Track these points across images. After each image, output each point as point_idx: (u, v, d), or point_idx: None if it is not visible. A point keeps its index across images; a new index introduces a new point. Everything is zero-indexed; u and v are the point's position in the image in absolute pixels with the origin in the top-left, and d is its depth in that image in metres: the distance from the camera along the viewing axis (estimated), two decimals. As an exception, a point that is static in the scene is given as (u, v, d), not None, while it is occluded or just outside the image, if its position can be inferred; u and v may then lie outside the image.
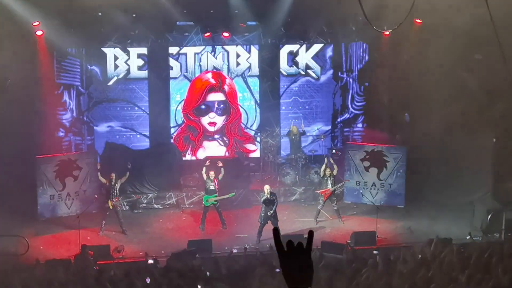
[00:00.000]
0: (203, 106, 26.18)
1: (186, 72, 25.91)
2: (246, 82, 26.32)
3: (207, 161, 22.86)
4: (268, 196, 20.54)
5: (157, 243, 20.74)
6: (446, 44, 23.11)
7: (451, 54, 23.54)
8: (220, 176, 22.07)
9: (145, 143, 25.88)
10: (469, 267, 14.34)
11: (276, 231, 4.08)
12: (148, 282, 14.79)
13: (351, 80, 26.72)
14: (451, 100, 23.90)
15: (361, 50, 26.52)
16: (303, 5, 24.51)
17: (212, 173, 21.92)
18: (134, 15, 23.85)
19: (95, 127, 25.55)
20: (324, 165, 22.66)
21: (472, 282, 13.35)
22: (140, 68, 25.54)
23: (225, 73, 26.09)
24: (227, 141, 26.41)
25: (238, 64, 26.11)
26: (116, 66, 25.36)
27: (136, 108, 25.74)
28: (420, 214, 22.86)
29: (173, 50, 25.70)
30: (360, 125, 26.93)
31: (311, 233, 4.04)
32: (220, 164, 22.49)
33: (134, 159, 24.44)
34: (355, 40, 26.30)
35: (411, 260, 15.81)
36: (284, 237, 20.03)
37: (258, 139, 26.45)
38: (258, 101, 26.42)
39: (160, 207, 24.15)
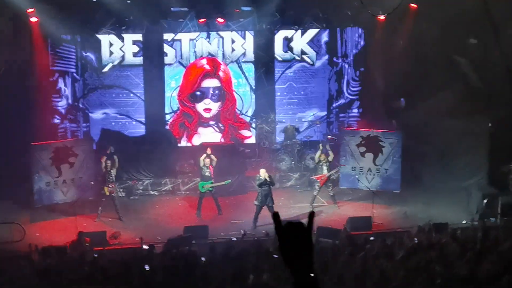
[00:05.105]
0: (198, 93, 26.15)
1: (181, 58, 25.87)
2: (241, 68, 26.28)
3: (208, 149, 22.58)
4: (267, 178, 20.52)
5: (153, 229, 20.75)
6: (441, 28, 23.10)
7: (446, 39, 23.57)
8: (213, 163, 22.09)
9: (140, 130, 25.85)
10: (465, 252, 14.37)
11: (276, 215, 3.93)
12: (148, 269, 14.77)
13: (346, 66, 26.69)
14: (446, 85, 23.93)
15: (357, 35, 26.49)
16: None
17: (207, 160, 21.91)
18: (128, 1, 23.77)
19: (90, 114, 25.53)
20: (319, 151, 22.67)
21: (466, 266, 13.38)
22: (135, 54, 25.49)
23: (220, 59, 26.05)
24: (222, 127, 26.41)
25: (233, 50, 26.07)
26: (111, 53, 25.32)
27: (132, 94, 25.71)
28: (415, 199, 22.89)
29: (167, 36, 25.65)
30: (355, 110, 26.93)
31: (312, 214, 3.92)
32: (209, 152, 22.25)
33: (130, 145, 24.47)
34: (351, 25, 26.27)
35: (407, 244, 15.84)
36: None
37: (254, 125, 26.45)
38: (253, 87, 26.40)
39: (156, 194, 24.18)
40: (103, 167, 21.55)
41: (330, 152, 22.70)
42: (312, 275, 3.76)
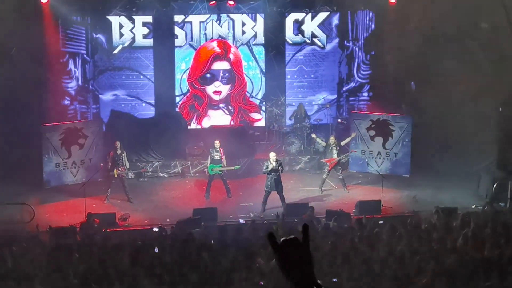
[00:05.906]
0: (208, 75, 26.12)
1: (191, 40, 25.81)
2: (251, 50, 26.20)
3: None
4: (274, 164, 20.52)
5: (162, 212, 20.80)
6: (452, 13, 22.97)
7: (458, 23, 23.42)
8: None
9: (150, 112, 25.86)
10: (474, 236, 14.36)
11: (271, 236, 3.84)
12: (157, 251, 14.81)
13: (357, 49, 26.57)
14: (457, 69, 23.80)
15: (367, 19, 26.34)
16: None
17: (217, 143, 21.91)
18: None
19: (100, 96, 25.53)
20: (317, 138, 22.93)
21: (476, 250, 13.37)
22: (145, 36, 25.44)
23: (230, 41, 25.98)
24: (232, 110, 26.38)
25: (243, 32, 25.98)
26: (121, 35, 25.28)
27: (142, 76, 25.69)
28: (425, 183, 22.83)
29: (178, 18, 25.58)
30: (365, 94, 26.82)
31: (305, 226, 3.87)
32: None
33: (140, 127, 24.50)
34: (362, 8, 26.12)
35: (416, 229, 15.83)
36: (290, 206, 20.08)
37: (263, 108, 26.41)
38: (263, 70, 26.33)
39: (166, 176, 24.23)
40: (116, 150, 21.52)
41: (350, 136, 22.84)
42: (315, 286, 3.75)
